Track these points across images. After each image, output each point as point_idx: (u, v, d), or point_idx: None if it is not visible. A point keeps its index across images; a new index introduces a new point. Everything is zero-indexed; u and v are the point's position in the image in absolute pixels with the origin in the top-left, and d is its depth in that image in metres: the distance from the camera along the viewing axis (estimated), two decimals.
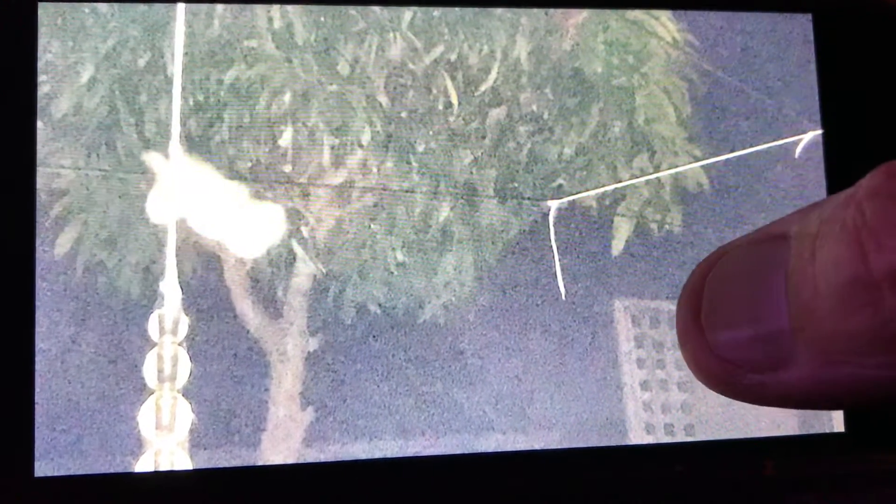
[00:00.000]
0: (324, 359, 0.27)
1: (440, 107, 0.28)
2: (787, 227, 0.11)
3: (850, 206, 0.10)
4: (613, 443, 0.28)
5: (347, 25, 0.28)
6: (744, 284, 0.11)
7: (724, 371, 0.11)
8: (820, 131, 0.29)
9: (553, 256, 0.28)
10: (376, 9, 0.28)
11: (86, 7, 0.27)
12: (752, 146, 0.29)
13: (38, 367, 0.26)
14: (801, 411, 0.29)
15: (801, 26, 0.30)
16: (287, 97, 0.27)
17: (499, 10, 0.28)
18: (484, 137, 0.28)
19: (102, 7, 0.27)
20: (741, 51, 0.29)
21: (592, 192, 0.29)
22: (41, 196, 0.26)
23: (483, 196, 0.28)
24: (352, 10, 0.28)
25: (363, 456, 0.27)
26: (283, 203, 0.27)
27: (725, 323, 0.11)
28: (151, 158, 0.27)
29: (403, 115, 0.28)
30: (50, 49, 0.26)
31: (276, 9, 0.27)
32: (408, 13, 0.28)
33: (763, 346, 0.11)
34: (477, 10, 0.28)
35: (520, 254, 0.28)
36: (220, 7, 0.27)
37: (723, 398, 0.12)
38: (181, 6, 0.27)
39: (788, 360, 0.10)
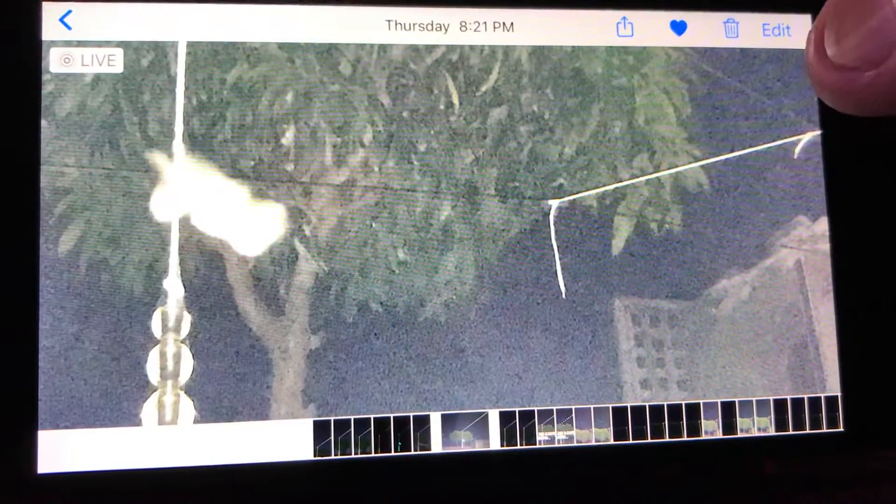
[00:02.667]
0: (325, 356, 0.27)
1: (441, 106, 0.28)
2: None
3: None
4: (613, 442, 0.28)
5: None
6: (852, 1, 0.13)
7: (843, 78, 0.13)
8: (819, 131, 0.29)
9: (553, 255, 0.28)
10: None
11: (89, 6, 0.27)
12: (751, 146, 0.29)
13: (41, 364, 0.26)
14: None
15: (800, 27, 0.30)
16: (289, 97, 0.28)
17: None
18: (485, 137, 0.28)
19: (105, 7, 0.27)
20: (741, 51, 0.30)
21: (593, 192, 0.29)
22: (45, 194, 0.26)
23: (484, 195, 0.28)
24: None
25: (363, 454, 0.27)
26: (285, 202, 0.27)
27: (840, 34, 0.13)
28: (155, 157, 0.27)
29: (405, 114, 0.28)
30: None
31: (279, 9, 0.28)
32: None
33: (872, 40, 0.13)
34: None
35: (520, 252, 0.28)
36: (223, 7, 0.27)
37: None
38: (184, 6, 0.27)
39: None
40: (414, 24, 0.28)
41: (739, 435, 0.29)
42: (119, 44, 0.27)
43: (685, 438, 0.28)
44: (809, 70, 0.14)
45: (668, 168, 0.29)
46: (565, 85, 0.29)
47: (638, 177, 0.29)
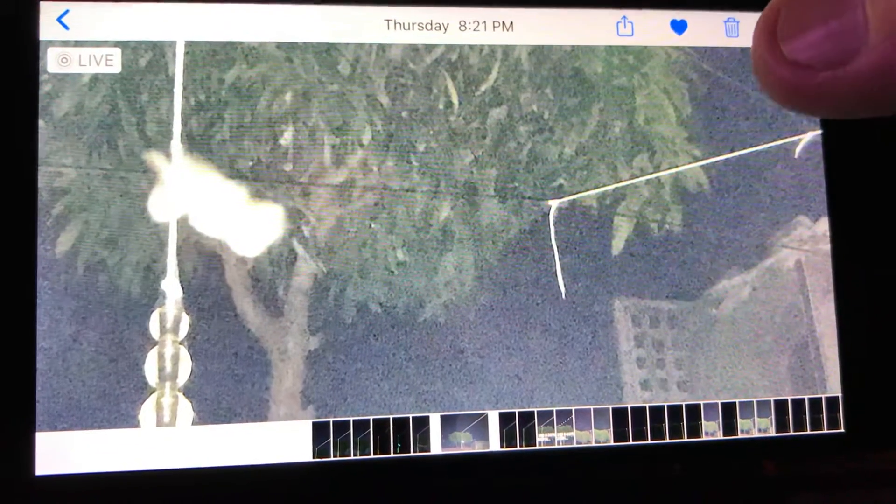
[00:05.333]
0: (324, 358, 0.27)
1: (441, 106, 0.28)
2: None
3: None
4: (613, 443, 0.28)
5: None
6: None
7: (794, 74, 0.12)
8: (819, 131, 0.29)
9: (553, 255, 0.28)
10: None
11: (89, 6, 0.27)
12: (751, 146, 0.29)
13: (39, 365, 0.26)
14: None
15: None
16: (288, 97, 0.28)
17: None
18: (484, 137, 0.28)
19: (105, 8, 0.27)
20: (741, 50, 0.30)
21: (592, 192, 0.29)
22: (42, 195, 0.26)
23: (483, 195, 0.28)
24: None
25: (362, 455, 0.27)
26: (283, 202, 0.27)
27: (799, 28, 0.12)
28: (153, 157, 0.27)
29: (404, 114, 0.28)
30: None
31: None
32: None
33: (836, 40, 0.11)
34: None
35: (520, 253, 0.28)
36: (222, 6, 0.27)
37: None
38: (182, 6, 0.27)
39: (860, 48, 0.11)
40: (413, 24, 0.28)
41: (740, 436, 0.29)
42: (117, 44, 0.27)
43: (685, 439, 0.28)
44: (756, 59, 0.13)
45: (668, 168, 0.29)
46: (565, 84, 0.29)
47: (638, 177, 0.29)
